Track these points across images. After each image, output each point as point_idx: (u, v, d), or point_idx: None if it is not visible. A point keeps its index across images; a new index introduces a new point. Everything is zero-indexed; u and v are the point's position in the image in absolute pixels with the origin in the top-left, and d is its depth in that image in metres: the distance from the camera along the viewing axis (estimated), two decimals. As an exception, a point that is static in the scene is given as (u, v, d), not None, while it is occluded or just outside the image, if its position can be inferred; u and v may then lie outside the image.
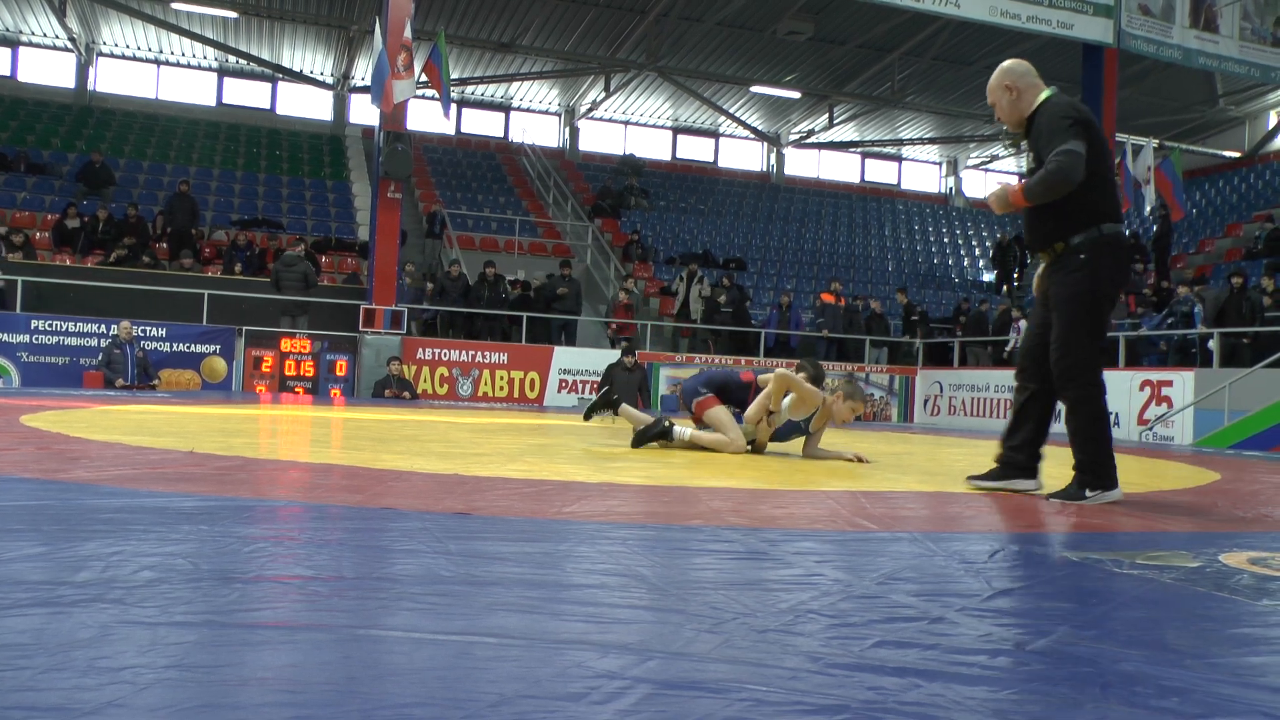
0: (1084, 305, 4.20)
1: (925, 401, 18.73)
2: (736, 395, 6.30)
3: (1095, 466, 4.21)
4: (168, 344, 14.79)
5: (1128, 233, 25.27)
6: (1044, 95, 4.39)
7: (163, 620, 1.60)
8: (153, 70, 26.98)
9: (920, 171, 34.58)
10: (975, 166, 34.31)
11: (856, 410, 6.08)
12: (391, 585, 1.95)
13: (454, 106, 28.83)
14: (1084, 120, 4.20)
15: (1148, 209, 21.21)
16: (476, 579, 2.04)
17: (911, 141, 31.18)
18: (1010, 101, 4.45)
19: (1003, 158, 33.13)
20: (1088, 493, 4.20)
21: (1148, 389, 14.19)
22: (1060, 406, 4.36)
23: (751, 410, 6.15)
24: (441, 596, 1.86)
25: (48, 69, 26.33)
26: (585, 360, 16.76)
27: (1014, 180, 4.78)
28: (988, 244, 29.93)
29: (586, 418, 6.76)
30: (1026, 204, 4.23)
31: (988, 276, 27.65)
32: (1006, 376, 16.74)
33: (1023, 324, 17.62)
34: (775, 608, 1.90)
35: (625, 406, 6.58)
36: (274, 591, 1.88)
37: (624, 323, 18.44)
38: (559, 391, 16.56)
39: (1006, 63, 4.54)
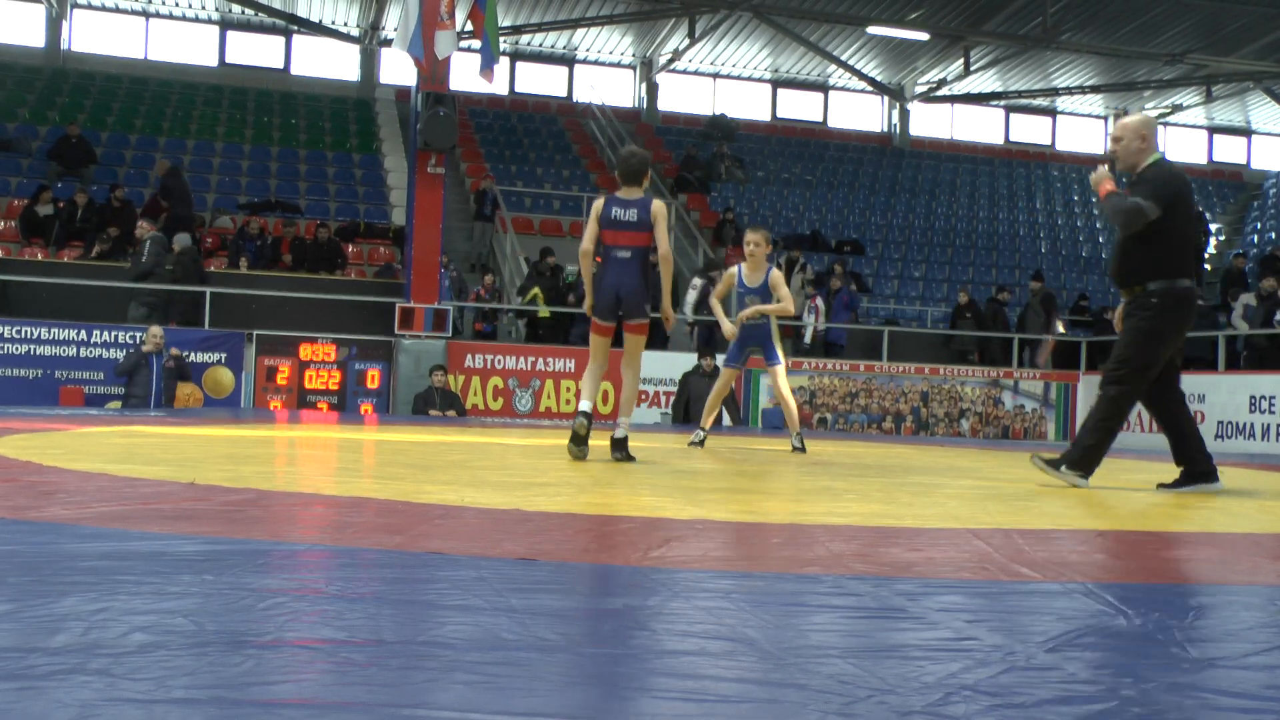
0: (1142, 336, 5.92)
1: (1092, 415, 18.36)
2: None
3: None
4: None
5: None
6: (1154, 157, 5.97)
7: (159, 696, 1.59)
8: (140, 23, 27.39)
9: (1080, 128, 34.10)
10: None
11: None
12: (442, 652, 1.93)
13: (503, 61, 29.01)
14: (1176, 192, 5.82)
15: None
16: (546, 644, 2.01)
17: (1069, 91, 30.71)
18: (1137, 149, 5.97)
19: (1188, 108, 32.35)
20: (1062, 468, 5.97)
21: None
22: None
23: None
24: (503, 666, 1.83)
25: (11, 24, 26.38)
26: (667, 367, 16.71)
27: (1109, 177, 6.10)
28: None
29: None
30: (1102, 200, 5.99)
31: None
32: (1208, 382, 16.40)
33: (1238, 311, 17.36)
34: (919, 681, 1.84)
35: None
36: (297, 659, 1.87)
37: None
38: (636, 405, 16.51)
39: (1150, 115, 6.54)
